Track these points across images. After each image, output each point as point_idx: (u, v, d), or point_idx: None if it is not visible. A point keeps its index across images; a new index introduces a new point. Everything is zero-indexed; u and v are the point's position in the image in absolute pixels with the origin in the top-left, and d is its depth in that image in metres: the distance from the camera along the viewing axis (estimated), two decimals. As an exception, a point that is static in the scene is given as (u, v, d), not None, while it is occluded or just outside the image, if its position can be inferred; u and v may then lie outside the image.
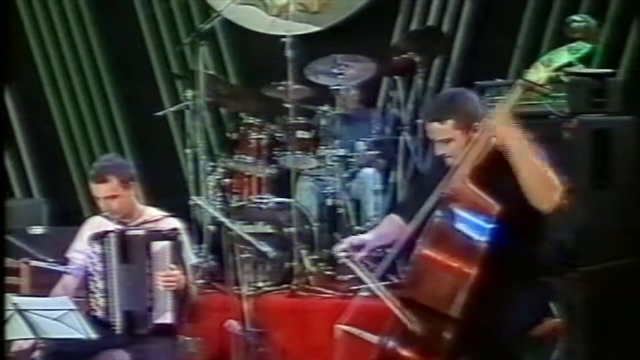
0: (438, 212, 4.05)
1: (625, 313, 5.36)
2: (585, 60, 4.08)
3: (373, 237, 4.44)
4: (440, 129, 4.16)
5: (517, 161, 3.94)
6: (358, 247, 4.33)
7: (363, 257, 4.31)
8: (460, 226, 4.00)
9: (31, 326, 4.39)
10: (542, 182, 3.93)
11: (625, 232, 5.55)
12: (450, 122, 4.13)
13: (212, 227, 6.29)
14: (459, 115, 4.14)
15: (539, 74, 4.03)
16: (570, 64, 4.04)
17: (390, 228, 4.44)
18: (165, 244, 4.75)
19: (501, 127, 3.99)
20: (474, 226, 3.98)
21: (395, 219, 4.45)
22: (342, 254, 4.33)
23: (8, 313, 4.27)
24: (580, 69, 4.13)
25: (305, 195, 6.63)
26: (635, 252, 5.57)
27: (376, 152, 6.63)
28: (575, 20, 4.12)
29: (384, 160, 6.68)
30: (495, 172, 4.02)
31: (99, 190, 4.83)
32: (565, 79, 4.09)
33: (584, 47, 4.03)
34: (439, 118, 4.17)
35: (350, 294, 5.33)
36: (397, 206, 4.60)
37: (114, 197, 4.82)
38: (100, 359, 4.66)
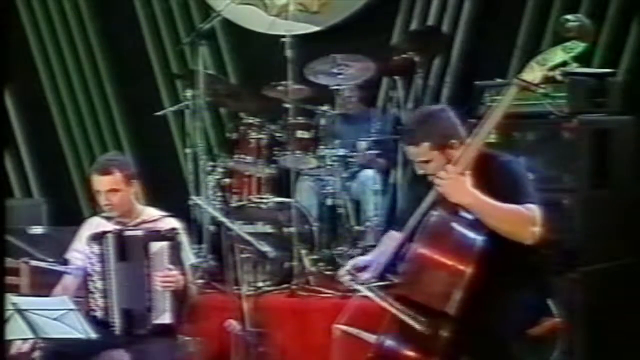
0: (434, 211, 4.05)
1: (625, 313, 5.36)
2: (580, 59, 4.09)
3: (376, 257, 4.43)
4: (417, 152, 4.17)
5: (478, 213, 3.96)
6: (362, 269, 4.34)
7: (369, 279, 4.30)
8: (456, 225, 4.01)
9: (31, 326, 4.39)
10: (513, 221, 3.94)
11: (624, 232, 5.54)
12: (425, 145, 4.14)
13: (211, 227, 6.29)
14: (433, 137, 4.14)
15: (533, 73, 4.03)
16: (564, 63, 4.05)
17: (391, 245, 4.43)
18: (164, 244, 4.75)
19: (451, 185, 3.98)
20: (470, 224, 3.99)
21: (395, 235, 4.44)
22: (347, 277, 4.33)
23: (8, 313, 4.26)
24: (575, 68, 4.12)
25: (305, 195, 6.62)
26: (635, 252, 5.57)
27: (376, 152, 6.62)
28: (569, 20, 4.12)
29: (384, 160, 6.68)
30: (486, 179, 4.02)
31: (102, 182, 4.84)
32: (560, 78, 4.09)
33: (578, 46, 4.04)
34: (413, 142, 4.17)
35: (350, 294, 5.32)
36: (395, 221, 4.63)
37: (115, 191, 4.82)
38: (100, 359, 4.66)
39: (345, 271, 4.36)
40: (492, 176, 4.05)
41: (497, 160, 4.15)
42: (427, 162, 4.15)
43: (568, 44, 4.04)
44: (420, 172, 4.22)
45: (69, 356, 4.59)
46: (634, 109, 5.81)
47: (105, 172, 4.84)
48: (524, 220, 3.96)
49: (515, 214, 3.96)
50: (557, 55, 4.03)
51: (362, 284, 4.25)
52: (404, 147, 4.34)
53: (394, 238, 4.40)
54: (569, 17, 4.16)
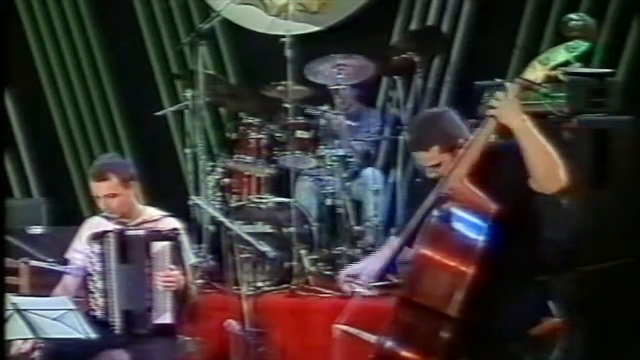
0: (436, 212, 4.05)
1: (625, 313, 5.36)
2: (583, 58, 4.08)
3: (369, 263, 4.43)
4: (427, 157, 4.15)
5: (522, 139, 3.92)
6: (356, 276, 4.34)
7: (368, 281, 4.30)
8: (457, 225, 4.00)
9: (31, 326, 4.39)
10: (548, 160, 3.92)
11: (624, 232, 5.54)
12: (435, 149, 4.13)
13: (211, 227, 6.29)
14: (440, 140, 4.12)
15: (536, 72, 4.02)
16: (567, 63, 4.04)
17: (389, 250, 4.42)
18: (165, 244, 4.75)
19: (505, 107, 3.97)
20: (471, 225, 3.99)
21: (394, 242, 4.43)
22: (347, 283, 4.35)
23: (8, 313, 4.26)
24: (578, 67, 4.11)
25: (304, 195, 6.62)
26: (635, 252, 5.57)
27: (376, 152, 6.62)
28: (572, 19, 4.12)
29: (383, 160, 6.67)
30: (493, 171, 4.02)
31: (99, 188, 4.83)
32: (563, 77, 4.08)
33: (582, 45, 4.03)
34: (422, 148, 4.16)
35: (349, 294, 5.33)
36: (396, 225, 4.65)
37: (113, 195, 4.82)
38: (99, 359, 4.66)
39: (343, 280, 4.38)
40: (504, 162, 4.03)
41: (501, 146, 4.11)
42: (437, 165, 4.14)
43: (571, 43, 4.03)
44: (431, 176, 4.20)
45: (69, 356, 4.59)
46: (634, 109, 5.81)
47: (102, 178, 4.82)
48: (557, 162, 3.92)
49: (552, 153, 3.92)
50: (560, 54, 4.02)
51: (362, 287, 4.27)
52: (411, 153, 4.33)
53: (393, 245, 4.40)
54: (572, 16, 4.15)
